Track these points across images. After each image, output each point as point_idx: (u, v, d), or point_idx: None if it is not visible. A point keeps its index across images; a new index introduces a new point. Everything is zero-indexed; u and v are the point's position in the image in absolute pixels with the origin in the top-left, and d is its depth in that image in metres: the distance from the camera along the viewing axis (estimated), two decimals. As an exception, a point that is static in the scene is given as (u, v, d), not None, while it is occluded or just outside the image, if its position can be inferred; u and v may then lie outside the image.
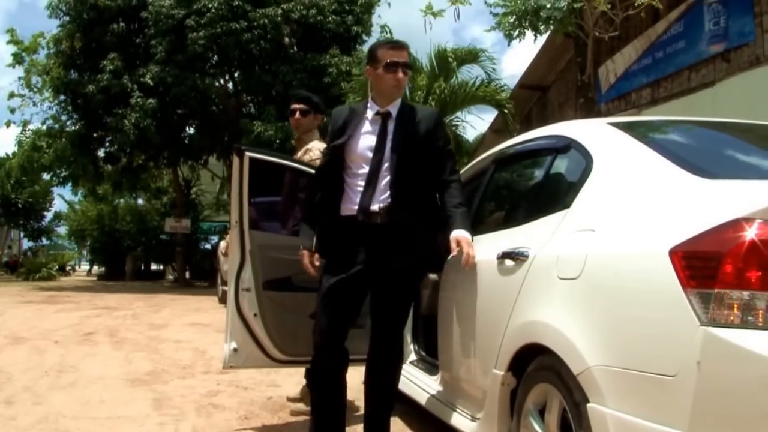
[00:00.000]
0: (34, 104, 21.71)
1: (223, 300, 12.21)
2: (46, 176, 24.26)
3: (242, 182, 3.74)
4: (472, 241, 3.05)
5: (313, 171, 3.66)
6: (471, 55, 12.80)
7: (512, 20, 9.08)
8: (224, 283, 11.51)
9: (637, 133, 2.63)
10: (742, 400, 1.68)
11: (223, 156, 20.62)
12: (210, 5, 17.41)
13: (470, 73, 13.02)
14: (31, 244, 39.87)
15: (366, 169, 3.15)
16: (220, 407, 4.47)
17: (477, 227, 3.20)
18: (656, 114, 9.32)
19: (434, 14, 10.23)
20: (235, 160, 3.80)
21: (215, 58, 19.13)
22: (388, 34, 14.30)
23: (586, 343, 2.10)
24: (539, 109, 14.58)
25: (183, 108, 19.50)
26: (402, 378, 3.50)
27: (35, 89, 21.54)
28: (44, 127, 21.33)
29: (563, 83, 13.22)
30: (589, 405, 2.03)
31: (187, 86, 17.98)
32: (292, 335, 3.76)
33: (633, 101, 10.88)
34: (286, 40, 18.33)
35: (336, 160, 3.22)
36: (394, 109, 3.26)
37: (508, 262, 2.73)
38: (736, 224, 1.77)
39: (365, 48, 17.05)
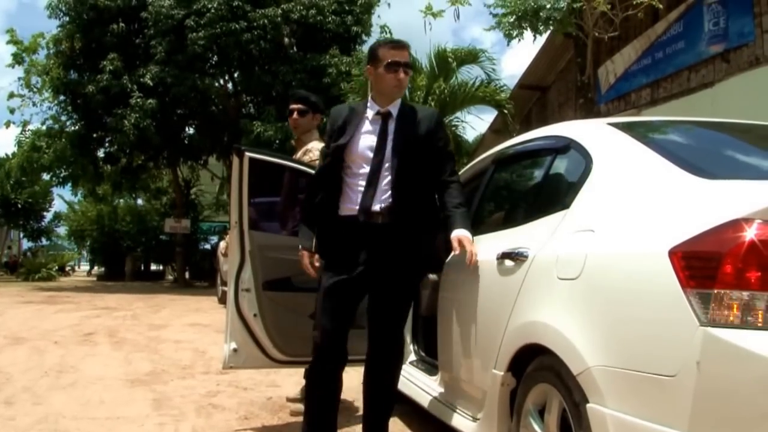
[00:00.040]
0: (34, 104, 21.71)
1: (222, 300, 12.21)
2: (45, 176, 24.23)
3: (242, 182, 3.74)
4: (473, 240, 3.05)
5: (312, 171, 3.64)
6: (471, 56, 12.80)
7: (512, 20, 9.09)
8: (224, 284, 11.51)
9: (636, 133, 2.63)
10: (742, 400, 1.68)
11: (223, 156, 20.61)
12: (210, 5, 17.41)
13: (470, 74, 13.02)
14: (30, 244, 39.89)
15: (366, 169, 3.14)
16: (220, 407, 4.47)
17: (477, 227, 3.20)
18: (656, 114, 9.33)
19: (434, 15, 10.25)
20: (235, 161, 3.80)
21: (215, 58, 19.12)
22: (388, 35, 14.34)
23: (586, 344, 2.10)
24: (539, 109, 14.59)
25: (183, 108, 19.50)
26: (401, 378, 3.50)
27: (35, 89, 21.52)
28: (44, 128, 21.33)
29: (563, 83, 13.22)
30: (588, 405, 2.03)
31: (186, 86, 17.97)
32: (291, 335, 3.76)
33: (632, 101, 10.89)
34: (286, 40, 18.33)
35: (337, 160, 3.20)
36: (394, 109, 3.25)
37: (508, 263, 2.73)
38: (736, 224, 1.77)
39: (365, 48, 17.05)
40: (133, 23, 19.30)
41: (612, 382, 1.98)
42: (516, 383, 2.56)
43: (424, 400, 3.60)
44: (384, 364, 3.26)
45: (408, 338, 3.99)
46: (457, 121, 13.46)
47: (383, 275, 3.14)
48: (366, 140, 3.19)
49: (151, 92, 17.91)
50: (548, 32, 10.00)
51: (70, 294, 17.45)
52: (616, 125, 2.77)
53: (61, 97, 20.30)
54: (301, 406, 4.17)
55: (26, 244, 41.56)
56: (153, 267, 33.23)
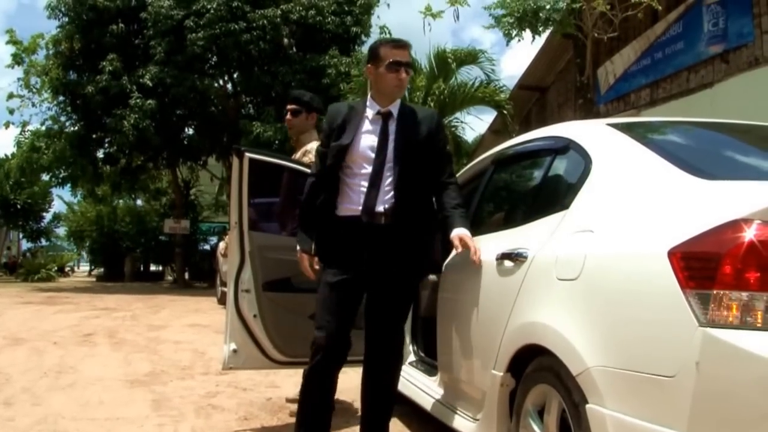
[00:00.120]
0: (33, 105, 21.67)
1: (222, 301, 12.21)
2: (45, 177, 24.18)
3: (242, 183, 3.74)
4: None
5: None
6: (470, 56, 12.80)
7: (511, 21, 9.10)
8: (223, 284, 11.50)
9: (635, 134, 2.64)
10: (741, 400, 1.68)
11: (222, 157, 20.60)
12: (209, 6, 17.40)
13: (469, 74, 13.04)
14: (30, 245, 39.81)
15: (367, 170, 3.12)
16: (219, 408, 4.47)
17: (476, 228, 3.20)
18: (655, 115, 9.33)
19: (433, 15, 10.24)
20: (235, 161, 3.80)
21: (214, 58, 19.11)
22: (387, 35, 14.29)
23: (585, 344, 2.10)
24: (538, 109, 14.60)
25: (182, 109, 19.48)
26: (401, 379, 3.50)
27: (34, 90, 21.49)
28: (43, 128, 21.29)
29: (562, 84, 13.23)
30: (588, 406, 2.04)
31: (186, 87, 17.96)
32: (291, 336, 3.76)
33: (632, 102, 10.90)
34: (285, 40, 18.33)
35: (339, 161, 3.17)
36: (394, 109, 3.24)
37: (507, 263, 2.73)
38: (735, 225, 1.77)
39: (364, 49, 17.05)
40: (133, 24, 19.29)
41: (611, 383, 1.98)
42: (515, 384, 2.56)
43: (423, 401, 3.60)
44: (383, 365, 3.25)
45: (407, 339, 3.99)
46: (457, 122, 13.48)
47: (384, 276, 3.14)
48: (366, 140, 3.16)
49: (151, 93, 17.90)
50: (547, 33, 10.01)
51: (70, 295, 17.45)
52: (615, 126, 2.78)
53: (61, 98, 20.27)
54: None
55: (25, 244, 41.54)
56: (152, 268, 33.20)
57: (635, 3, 8.60)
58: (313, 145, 4.21)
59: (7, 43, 21.80)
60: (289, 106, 4.38)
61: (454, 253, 3.23)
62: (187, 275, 25.19)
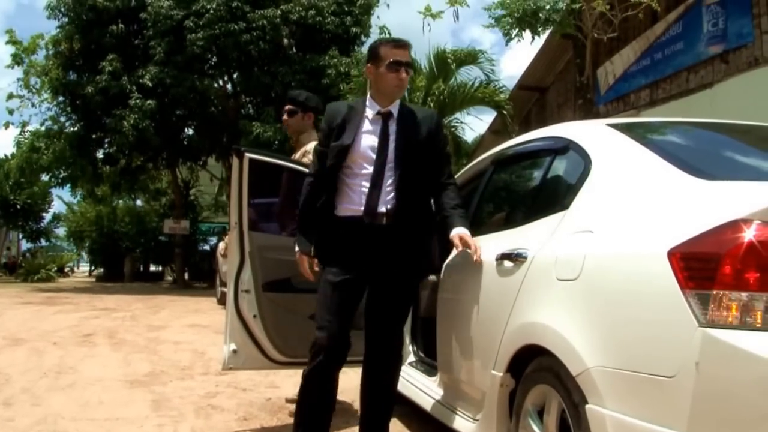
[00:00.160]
0: (33, 105, 21.66)
1: (221, 301, 12.20)
2: (44, 177, 24.15)
3: (242, 183, 3.74)
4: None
5: None
6: (470, 57, 12.81)
7: (511, 21, 9.10)
8: (223, 285, 11.50)
9: (635, 134, 2.64)
10: (741, 401, 1.68)
11: (222, 157, 20.60)
12: (209, 6, 17.39)
13: (469, 75, 13.04)
14: (29, 245, 39.80)
15: (368, 170, 3.11)
16: (219, 408, 4.47)
17: (476, 228, 3.20)
18: (655, 115, 9.33)
19: (433, 15, 10.25)
20: (235, 161, 3.80)
21: (214, 59, 19.10)
22: (387, 36, 14.30)
23: (585, 344, 2.10)
24: (538, 110, 14.60)
25: (182, 109, 19.48)
26: (401, 379, 3.50)
27: (34, 90, 21.49)
28: (43, 128, 21.28)
29: (562, 84, 13.23)
30: (587, 406, 2.04)
31: (185, 87, 17.96)
32: (291, 337, 3.76)
33: (632, 102, 10.90)
34: (285, 41, 18.32)
35: (340, 161, 3.14)
36: (394, 109, 3.23)
37: (507, 263, 2.73)
38: (735, 225, 1.77)
39: (364, 49, 17.04)
40: (132, 24, 19.28)
41: (611, 383, 1.98)
42: (515, 384, 2.56)
43: (423, 401, 3.60)
44: (383, 365, 3.25)
45: (407, 339, 3.99)
46: (457, 122, 13.49)
47: (384, 276, 3.14)
48: (367, 140, 3.15)
49: (150, 93, 17.90)
50: (547, 33, 10.01)
51: (69, 295, 17.44)
52: (615, 126, 2.78)
53: (60, 98, 20.26)
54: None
55: (25, 245, 41.52)
56: (152, 268, 33.20)
57: (635, 3, 8.61)
58: (312, 146, 4.21)
59: (7, 43, 21.81)
60: (285, 107, 4.38)
61: (454, 252, 3.23)
62: (186, 275, 25.19)
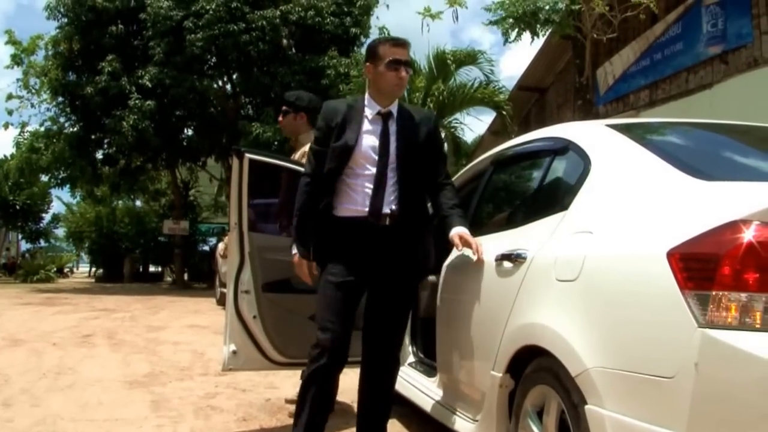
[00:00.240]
0: (33, 106, 21.66)
1: (221, 302, 12.20)
2: (44, 178, 24.14)
3: (241, 184, 3.74)
4: None
5: None
6: (469, 57, 12.82)
7: (510, 21, 9.11)
8: (222, 285, 11.49)
9: (634, 134, 2.64)
10: (740, 401, 1.68)
11: (222, 158, 20.59)
12: (208, 7, 17.38)
13: (468, 75, 13.06)
14: (29, 246, 39.79)
15: (371, 171, 3.10)
16: (218, 409, 4.46)
17: (475, 229, 3.20)
18: (654, 116, 9.34)
19: (432, 16, 10.27)
20: (235, 162, 3.79)
21: (213, 59, 19.09)
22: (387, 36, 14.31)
23: (584, 345, 2.10)
24: (537, 110, 14.60)
25: (181, 110, 19.47)
26: (400, 380, 3.50)
27: (33, 91, 21.49)
28: (42, 129, 21.27)
29: (561, 85, 13.24)
30: (587, 407, 2.04)
31: (185, 88, 17.95)
32: (291, 337, 3.75)
33: (631, 103, 10.90)
34: (285, 41, 18.31)
35: (344, 162, 3.11)
36: (393, 109, 3.22)
37: (507, 264, 2.73)
38: (734, 226, 1.77)
39: (363, 50, 17.02)
40: (132, 25, 19.26)
41: (610, 384, 1.98)
42: (514, 385, 2.56)
43: (422, 402, 3.60)
44: (383, 366, 3.24)
45: (407, 340, 3.99)
46: (456, 123, 13.51)
47: (385, 277, 3.13)
48: (368, 141, 3.13)
49: (150, 94, 17.89)
50: (546, 34, 10.02)
51: (69, 295, 17.43)
52: (614, 127, 2.78)
53: (60, 99, 20.25)
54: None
55: (25, 245, 41.50)
56: (151, 268, 33.18)
57: (634, 4, 8.61)
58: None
59: (7, 43, 21.81)
60: (281, 108, 4.41)
61: (454, 252, 3.23)
62: (186, 276, 25.18)
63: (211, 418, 4.23)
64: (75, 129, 20.51)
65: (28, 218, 35.13)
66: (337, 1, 18.59)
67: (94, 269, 37.57)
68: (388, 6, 26.92)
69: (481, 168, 3.77)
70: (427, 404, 3.53)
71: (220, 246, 14.54)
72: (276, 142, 16.48)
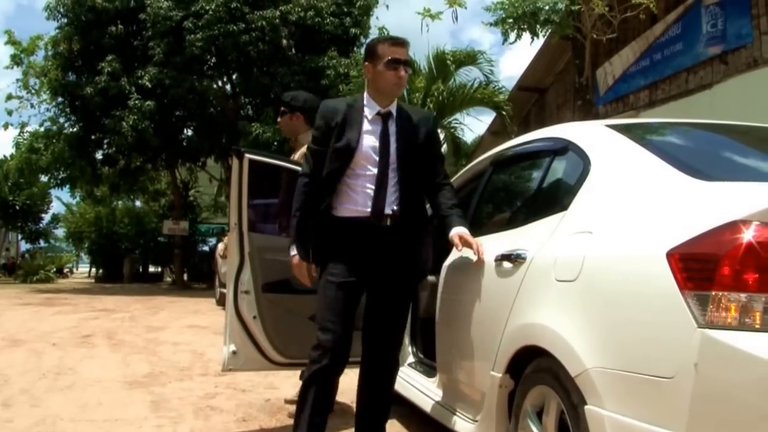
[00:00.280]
0: (32, 106, 21.65)
1: (220, 302, 12.20)
2: (43, 178, 24.13)
3: (241, 184, 3.73)
4: None
5: None
6: (469, 58, 12.82)
7: (510, 22, 9.11)
8: (222, 285, 11.49)
9: (634, 135, 2.64)
10: (740, 402, 1.68)
11: (221, 158, 20.59)
12: (208, 7, 17.37)
13: (468, 75, 13.07)
14: (28, 246, 39.79)
15: (372, 171, 3.09)
16: (218, 409, 4.46)
17: (475, 229, 3.20)
18: (654, 116, 9.34)
19: (432, 16, 10.26)
20: (235, 162, 3.79)
21: (213, 60, 19.09)
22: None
23: (584, 345, 2.10)
24: (537, 111, 14.61)
25: (181, 110, 19.47)
26: (400, 380, 3.50)
27: (33, 91, 21.49)
28: (42, 129, 21.25)
29: (561, 85, 13.24)
30: (586, 407, 2.04)
31: (185, 88, 17.94)
32: (291, 338, 3.75)
33: (631, 103, 10.90)
34: (284, 42, 18.31)
35: (347, 163, 3.09)
36: (393, 109, 3.21)
37: (506, 264, 2.73)
38: (734, 226, 1.77)
39: (363, 50, 17.02)
40: (132, 25, 19.26)
41: (610, 384, 1.98)
42: (514, 385, 2.56)
43: (422, 402, 3.60)
44: (382, 366, 3.24)
45: (406, 340, 3.99)
46: (456, 123, 13.52)
47: (385, 277, 3.13)
48: (368, 141, 3.12)
49: (150, 94, 17.89)
50: (546, 34, 10.02)
51: (68, 296, 17.43)
52: (614, 127, 2.78)
53: (59, 99, 20.24)
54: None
55: (24, 245, 41.51)
56: (151, 269, 33.17)
57: (634, 4, 8.61)
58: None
59: (6, 43, 21.80)
60: (279, 109, 4.43)
61: (454, 252, 3.23)
62: (185, 276, 25.18)
63: (211, 419, 4.23)
64: (75, 129, 20.51)
65: (27, 218, 35.13)
66: (337, 1, 18.60)
67: (93, 269, 37.56)
68: (387, 6, 26.92)
69: (481, 168, 3.77)
70: (426, 404, 3.53)
71: (220, 246, 14.54)
72: (276, 143, 16.47)
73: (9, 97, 21.68)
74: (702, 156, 2.61)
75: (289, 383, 5.02)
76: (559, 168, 2.90)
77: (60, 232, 39.62)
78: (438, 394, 3.46)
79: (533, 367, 2.42)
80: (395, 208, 3.09)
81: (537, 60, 13.21)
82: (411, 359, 4.07)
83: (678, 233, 1.87)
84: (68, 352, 7.01)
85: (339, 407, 4.09)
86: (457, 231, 3.06)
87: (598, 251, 2.19)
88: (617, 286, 2.06)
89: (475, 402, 2.95)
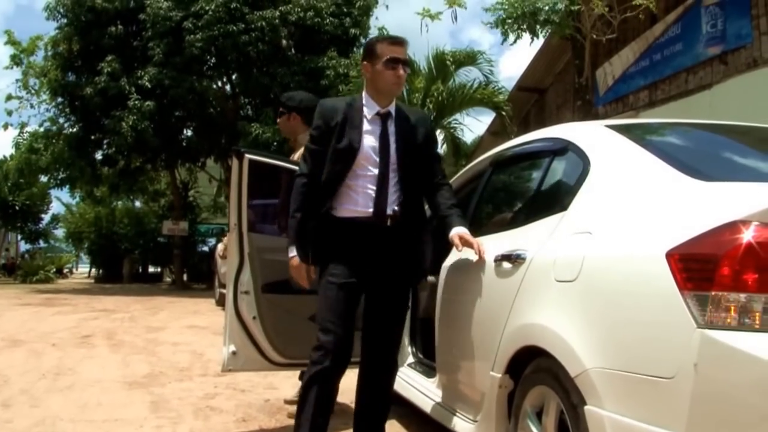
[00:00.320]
0: (32, 106, 21.69)
1: (220, 302, 12.19)
2: (43, 178, 24.15)
3: (241, 185, 3.73)
4: None
5: None
6: (469, 58, 12.83)
7: (510, 22, 9.12)
8: (222, 286, 11.49)
9: (634, 135, 2.64)
10: (739, 402, 1.68)
11: (221, 158, 20.60)
12: (207, 7, 17.37)
13: (468, 76, 13.08)
14: (28, 246, 39.81)
15: (372, 172, 3.08)
16: (218, 410, 4.46)
17: (474, 230, 3.19)
18: (654, 116, 9.34)
19: (431, 17, 10.25)
20: (235, 163, 3.79)
21: (213, 60, 19.09)
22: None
23: (584, 346, 2.10)
24: (537, 111, 14.61)
25: (180, 110, 19.48)
26: (400, 380, 3.50)
27: (33, 91, 21.50)
28: (42, 130, 21.28)
29: (561, 85, 13.24)
30: (586, 407, 2.03)
31: (184, 88, 17.95)
32: (291, 338, 3.75)
33: (630, 103, 10.90)
34: (284, 42, 18.31)
35: (350, 164, 3.07)
36: (392, 109, 3.20)
37: (506, 265, 2.73)
38: (733, 226, 1.77)
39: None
40: (131, 25, 19.27)
41: (610, 384, 1.98)
42: (514, 385, 2.56)
43: (422, 403, 3.60)
44: (382, 366, 3.24)
45: (406, 341, 3.99)
46: (456, 123, 13.53)
47: (386, 278, 3.13)
48: (368, 141, 3.11)
49: (149, 94, 17.89)
50: (546, 35, 10.02)
51: (68, 296, 17.43)
52: (613, 127, 2.78)
53: (59, 99, 20.26)
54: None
55: (24, 246, 41.53)
56: (151, 269, 33.19)
57: (634, 5, 8.61)
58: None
59: (6, 44, 21.82)
60: (278, 109, 4.44)
61: (453, 252, 3.23)
62: (185, 277, 25.17)
63: (211, 419, 4.23)
64: (74, 129, 20.52)
65: (27, 219, 35.15)
66: (337, 1, 18.60)
67: (93, 270, 37.56)
68: (387, 6, 26.93)
69: (481, 169, 3.77)
70: (426, 405, 3.52)
71: (220, 247, 14.54)
72: (275, 143, 16.48)
73: (9, 98, 21.73)
74: (701, 156, 2.61)
75: (288, 383, 5.02)
76: (558, 168, 2.90)
77: (59, 232, 39.72)
78: (437, 395, 3.46)
79: (533, 367, 2.42)
80: (396, 208, 3.09)
81: (537, 60, 13.21)
82: (411, 359, 4.07)
83: (677, 233, 1.87)
84: (68, 352, 7.01)
85: (338, 407, 4.08)
86: (458, 231, 3.06)
87: (598, 251, 2.19)
88: (617, 287, 2.06)
89: (474, 402, 2.95)
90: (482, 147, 13.68)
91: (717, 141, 2.89)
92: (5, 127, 22.31)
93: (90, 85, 18.31)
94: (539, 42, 10.81)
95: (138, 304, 14.53)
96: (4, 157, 30.61)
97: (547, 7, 9.04)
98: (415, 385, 3.76)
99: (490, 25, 9.41)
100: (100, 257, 31.33)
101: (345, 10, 18.73)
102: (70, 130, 20.69)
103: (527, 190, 3.32)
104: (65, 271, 37.53)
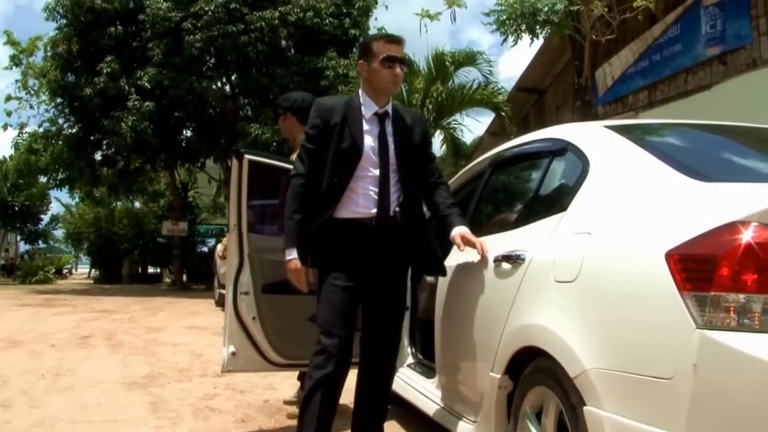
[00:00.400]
0: (31, 107, 21.62)
1: (219, 303, 12.19)
2: (42, 179, 24.12)
3: (241, 185, 3.73)
4: None
5: None
6: (468, 58, 12.84)
7: (509, 22, 9.12)
8: (221, 286, 11.48)
9: (633, 135, 2.64)
10: (739, 402, 1.68)
11: (220, 159, 20.58)
12: (207, 8, 17.36)
13: (467, 76, 13.09)
14: (27, 247, 39.78)
15: (373, 173, 3.06)
16: (217, 410, 4.46)
17: (474, 230, 3.19)
18: (653, 117, 9.34)
19: (430, 17, 10.25)
20: (234, 163, 3.79)
21: (212, 60, 19.07)
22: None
23: (583, 346, 2.10)
24: (536, 111, 14.61)
25: (180, 111, 19.46)
26: (399, 381, 3.50)
27: (32, 92, 21.46)
28: (41, 130, 21.23)
29: (560, 86, 13.24)
30: (585, 408, 2.04)
31: (184, 89, 17.93)
32: (290, 338, 3.75)
33: (630, 104, 10.91)
34: (283, 42, 18.30)
35: (354, 166, 3.03)
36: (389, 109, 3.20)
37: (505, 265, 2.73)
38: (732, 227, 1.77)
39: (359, 49, 16.99)
40: (131, 26, 19.26)
41: (609, 385, 1.98)
42: (513, 386, 2.56)
43: (421, 403, 3.60)
44: (381, 367, 3.24)
45: (405, 341, 3.99)
46: (455, 124, 13.53)
47: (386, 278, 3.13)
48: (368, 142, 3.09)
49: (149, 95, 17.88)
50: (545, 35, 10.02)
51: (67, 297, 17.41)
52: (613, 128, 2.78)
53: (59, 100, 20.22)
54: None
55: (23, 246, 41.51)
56: (150, 270, 33.12)
57: (633, 5, 8.61)
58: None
59: (5, 44, 21.77)
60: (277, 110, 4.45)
61: (453, 252, 3.23)
62: (185, 277, 25.15)
63: (210, 420, 4.23)
64: (74, 130, 20.49)
65: (26, 219, 35.12)
66: (336, 2, 18.59)
67: (92, 270, 37.52)
68: (386, 7, 26.86)
69: (480, 169, 3.77)
70: (425, 405, 3.53)
71: (219, 247, 14.52)
72: (275, 143, 16.48)
73: (8, 98, 21.67)
74: (701, 157, 2.61)
75: (287, 384, 5.02)
76: (558, 169, 2.90)
77: (59, 232, 39.69)
78: (437, 395, 3.46)
79: (532, 368, 2.42)
80: (396, 209, 3.10)
81: (536, 61, 13.22)
82: (410, 360, 4.07)
83: (677, 234, 1.87)
84: (67, 353, 7.01)
85: (338, 408, 4.08)
86: (459, 230, 3.04)
87: (597, 252, 2.19)
88: (616, 287, 2.06)
89: (474, 403, 2.95)
90: (482, 147, 13.69)
91: (716, 141, 2.89)
92: (5, 127, 22.28)
93: (89, 86, 18.29)
94: (539, 42, 10.82)
95: (137, 304, 14.52)
96: (4, 157, 30.63)
97: (546, 8, 9.04)
98: (414, 385, 3.76)
99: (489, 26, 9.42)
100: (100, 258, 31.27)
101: (344, 10, 18.73)
102: (70, 130, 20.67)
103: (526, 191, 3.32)
104: (65, 271, 37.50)
